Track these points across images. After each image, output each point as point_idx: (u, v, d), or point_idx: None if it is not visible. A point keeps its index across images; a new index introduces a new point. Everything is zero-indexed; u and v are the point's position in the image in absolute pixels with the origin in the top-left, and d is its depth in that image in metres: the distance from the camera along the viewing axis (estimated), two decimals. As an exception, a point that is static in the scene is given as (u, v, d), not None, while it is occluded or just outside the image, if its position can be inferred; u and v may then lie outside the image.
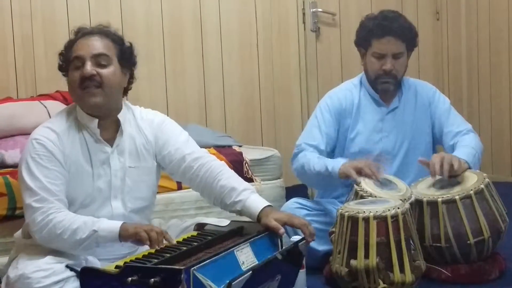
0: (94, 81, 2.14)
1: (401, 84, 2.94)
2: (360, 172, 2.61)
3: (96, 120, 2.18)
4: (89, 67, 2.13)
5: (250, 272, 1.82)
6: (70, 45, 2.23)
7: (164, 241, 2.02)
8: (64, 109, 2.28)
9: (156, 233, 2.00)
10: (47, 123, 2.21)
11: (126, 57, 2.25)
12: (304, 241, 2.16)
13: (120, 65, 2.22)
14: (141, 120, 2.31)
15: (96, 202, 2.20)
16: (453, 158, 2.58)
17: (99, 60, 2.16)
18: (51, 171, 2.09)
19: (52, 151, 2.11)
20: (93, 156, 2.20)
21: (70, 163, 2.15)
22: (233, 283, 1.74)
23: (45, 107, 3.13)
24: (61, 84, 3.47)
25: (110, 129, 2.24)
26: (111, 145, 2.23)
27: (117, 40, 2.24)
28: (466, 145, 2.76)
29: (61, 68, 2.25)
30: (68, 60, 2.20)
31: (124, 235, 2.02)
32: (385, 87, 2.85)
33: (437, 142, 2.96)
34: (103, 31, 2.24)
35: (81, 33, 2.23)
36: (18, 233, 2.27)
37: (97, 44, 2.18)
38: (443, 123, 2.89)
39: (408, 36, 2.86)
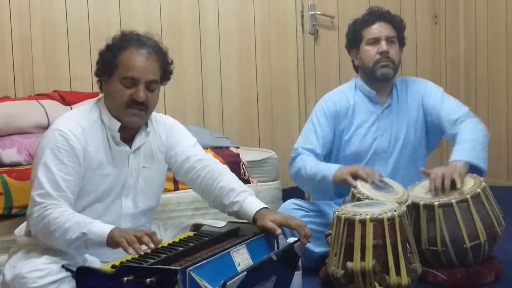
0: (142, 105, 2.18)
1: (394, 82, 2.95)
2: (356, 177, 2.62)
3: (119, 124, 2.21)
4: (142, 93, 2.17)
5: (245, 272, 1.82)
6: (118, 50, 2.20)
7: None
8: (89, 104, 2.29)
9: (139, 245, 1.94)
10: (72, 116, 2.22)
11: (167, 78, 2.31)
12: (299, 242, 2.17)
13: (160, 84, 2.28)
14: (155, 122, 2.35)
15: (109, 198, 2.22)
16: (454, 173, 2.55)
17: (150, 85, 2.20)
18: (66, 165, 2.10)
19: (73, 145, 2.12)
20: (113, 155, 2.22)
21: (91, 159, 2.16)
22: (227, 283, 1.74)
23: (43, 106, 3.12)
24: (59, 84, 3.52)
25: (132, 129, 2.26)
26: (130, 145, 2.25)
27: (164, 60, 2.26)
28: (463, 138, 2.71)
29: (101, 67, 2.23)
30: (113, 67, 2.18)
31: (111, 242, 1.98)
32: (384, 71, 2.84)
33: (437, 132, 2.93)
34: (156, 49, 2.24)
35: (134, 42, 2.20)
36: (18, 230, 2.27)
37: (152, 67, 2.20)
38: (439, 112, 2.86)
39: (397, 23, 2.89)
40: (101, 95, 2.31)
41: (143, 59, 2.18)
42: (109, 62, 2.20)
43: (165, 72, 2.28)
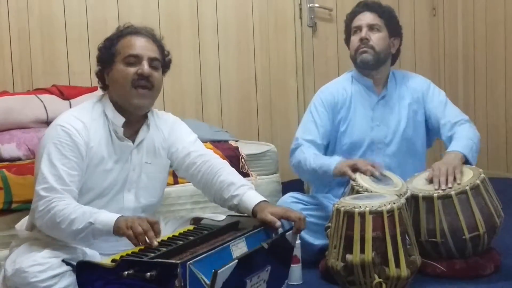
0: (148, 82, 2.22)
1: (392, 74, 2.96)
2: (355, 170, 2.62)
3: (123, 120, 2.23)
4: (147, 67, 2.21)
5: (236, 261, 1.83)
6: (116, 38, 2.26)
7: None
8: (91, 101, 2.31)
9: (145, 235, 1.93)
10: (74, 112, 2.24)
11: (166, 65, 2.36)
12: (291, 231, 2.17)
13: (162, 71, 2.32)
14: (158, 118, 2.38)
15: (111, 193, 2.23)
16: (456, 169, 2.56)
17: (152, 63, 2.24)
18: (70, 160, 2.11)
19: (76, 140, 2.13)
20: (116, 150, 2.23)
21: (93, 154, 2.18)
22: (218, 272, 1.74)
23: (42, 101, 3.12)
24: (58, 78, 3.52)
25: (135, 125, 2.29)
26: (133, 141, 2.27)
27: (162, 48, 2.33)
28: (463, 136, 2.75)
29: (102, 60, 2.28)
30: (113, 54, 2.23)
31: (117, 231, 1.99)
32: (363, 57, 2.85)
33: (435, 134, 2.96)
34: (153, 36, 2.31)
35: (131, 31, 2.28)
36: (20, 225, 2.28)
37: (152, 47, 2.27)
38: (439, 115, 2.89)
39: (383, 12, 2.90)
40: (100, 92, 2.34)
41: (143, 39, 2.26)
42: (109, 51, 2.25)
43: (164, 59, 2.33)
